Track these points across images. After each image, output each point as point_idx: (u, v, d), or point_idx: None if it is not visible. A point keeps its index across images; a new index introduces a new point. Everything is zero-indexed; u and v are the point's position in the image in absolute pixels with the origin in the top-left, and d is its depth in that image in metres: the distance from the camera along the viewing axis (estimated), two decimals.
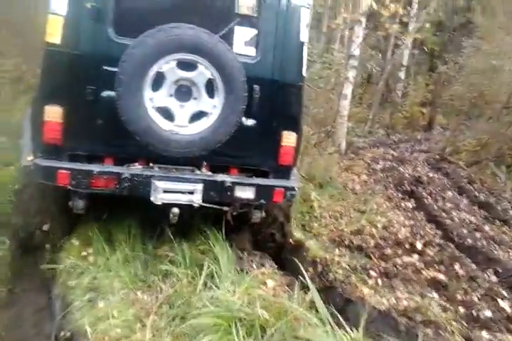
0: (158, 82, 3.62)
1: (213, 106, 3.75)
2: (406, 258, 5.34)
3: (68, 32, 3.54)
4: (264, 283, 3.93)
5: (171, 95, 3.69)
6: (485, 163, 10.78)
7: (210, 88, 3.71)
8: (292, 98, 4.14)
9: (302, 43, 4.09)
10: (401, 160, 11.92)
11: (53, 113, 3.60)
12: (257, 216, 4.33)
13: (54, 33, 3.56)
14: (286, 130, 4.12)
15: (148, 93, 3.58)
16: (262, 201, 4.07)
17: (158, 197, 3.75)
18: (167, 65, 3.58)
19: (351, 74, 10.62)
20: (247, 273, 3.96)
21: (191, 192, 3.83)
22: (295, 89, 4.12)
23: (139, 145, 3.64)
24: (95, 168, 3.70)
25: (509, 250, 6.17)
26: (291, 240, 5.03)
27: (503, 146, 10.87)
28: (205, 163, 4.01)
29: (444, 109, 17.45)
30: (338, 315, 3.36)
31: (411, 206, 7.99)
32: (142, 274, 3.98)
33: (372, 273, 4.84)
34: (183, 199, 3.83)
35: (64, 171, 3.62)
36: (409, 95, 18.73)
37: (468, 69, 13.79)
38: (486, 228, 7.06)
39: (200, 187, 3.84)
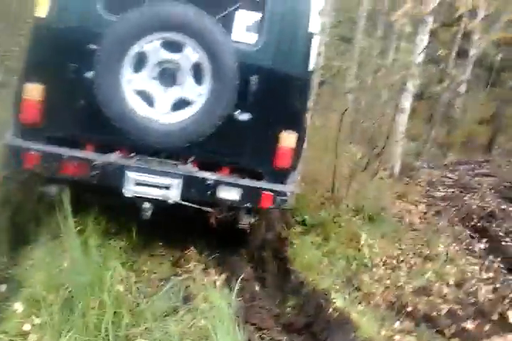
0: (140, 63, 3.34)
1: (199, 94, 3.40)
2: None
3: (55, 5, 3.35)
4: None
5: (154, 78, 3.38)
6: None
7: (198, 73, 3.38)
8: (295, 93, 3.69)
9: (311, 33, 3.65)
10: (464, 186, 10.19)
11: (33, 90, 3.39)
12: (246, 221, 3.92)
13: (41, 7, 3.38)
14: (285, 129, 3.65)
15: (127, 74, 3.32)
16: (248, 204, 3.67)
17: (130, 190, 3.47)
18: (150, 45, 3.29)
19: (411, 83, 8.82)
20: None
21: (167, 187, 3.52)
22: (299, 82, 3.68)
23: (124, 132, 3.38)
24: (66, 152, 3.46)
25: None
26: (331, 310, 3.76)
27: None
28: (191, 159, 3.66)
29: (509, 129, 15.49)
30: None
31: (483, 247, 6.42)
32: None
33: None
34: (157, 193, 3.52)
35: (32, 153, 3.39)
36: (468, 112, 16.76)
37: None
38: None
39: (177, 182, 3.52)
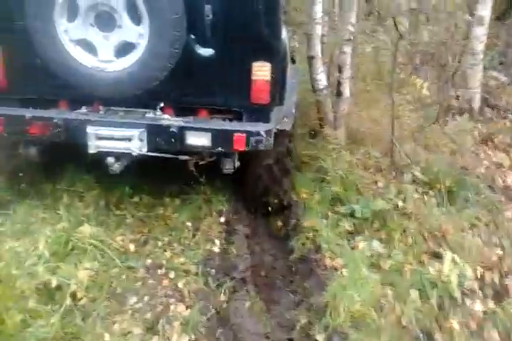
0: (72, 10, 3.19)
1: (139, 35, 3.19)
2: None
3: None
4: None
5: (91, 25, 3.23)
6: None
7: (133, 12, 3.15)
8: (260, 15, 3.24)
9: None
10: None
11: None
12: (229, 166, 3.68)
13: None
14: (256, 60, 3.34)
15: (61, 24, 3.19)
16: (220, 149, 3.42)
17: (93, 145, 3.38)
18: None
19: None
20: None
21: (129, 139, 3.37)
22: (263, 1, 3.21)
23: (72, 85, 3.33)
24: (27, 112, 3.47)
25: None
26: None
27: None
28: (160, 105, 3.51)
29: None
30: None
31: None
32: None
33: None
34: (120, 146, 3.38)
35: None
36: None
37: None
38: None
39: (138, 133, 3.36)
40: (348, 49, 5.05)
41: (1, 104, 3.53)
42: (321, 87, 5.34)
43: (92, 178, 4.14)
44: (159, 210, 4.08)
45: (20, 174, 3.98)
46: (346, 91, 5.15)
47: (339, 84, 5.16)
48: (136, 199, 4.19)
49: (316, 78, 5.32)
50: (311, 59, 5.31)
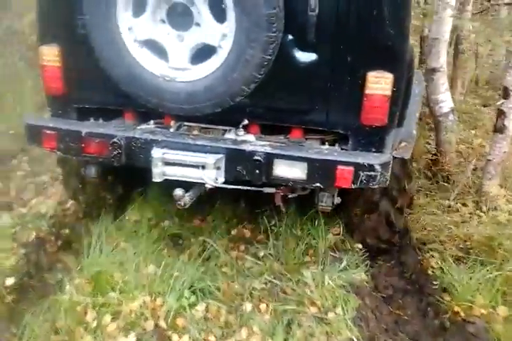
0: (139, 1, 2.50)
1: (222, 36, 2.45)
2: None
3: None
4: None
5: (161, 21, 2.54)
6: None
7: (216, 6, 2.41)
8: (384, 10, 2.42)
9: None
10: None
11: (50, 54, 2.89)
12: (327, 202, 2.92)
13: None
14: (373, 68, 2.52)
15: (125, 20, 2.52)
16: (318, 184, 2.62)
17: (158, 172, 2.71)
18: None
19: None
20: None
21: (203, 167, 2.67)
22: None
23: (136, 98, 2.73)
24: (84, 127, 2.85)
25: None
26: None
27: None
28: (245, 122, 2.81)
29: None
30: None
31: None
32: None
33: None
34: (192, 175, 2.70)
35: (49, 131, 2.87)
36: None
37: None
38: None
39: (215, 159, 2.64)
40: None
41: (58, 114, 3.01)
42: (446, 110, 4.14)
43: None
44: None
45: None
46: (511, 126, 3.71)
47: (501, 114, 3.70)
48: None
49: (437, 99, 4.15)
50: (432, 72, 4.12)
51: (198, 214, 3.67)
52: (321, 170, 2.56)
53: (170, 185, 2.75)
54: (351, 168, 2.52)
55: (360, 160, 2.53)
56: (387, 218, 3.26)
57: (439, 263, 3.34)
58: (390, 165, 2.60)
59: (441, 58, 4.01)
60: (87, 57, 2.71)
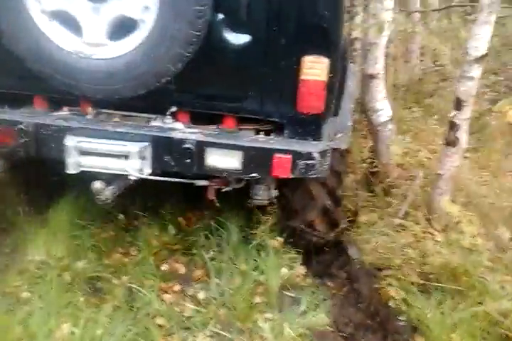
0: None
1: (144, 9, 2.22)
2: None
3: None
4: None
5: None
6: None
7: None
8: None
9: None
10: None
11: None
12: (263, 195, 2.73)
13: None
14: (308, 53, 2.36)
15: None
16: (254, 174, 2.39)
17: (73, 162, 2.34)
18: None
19: None
20: None
21: (126, 156, 2.32)
22: None
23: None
24: None
25: None
26: None
27: None
28: (173, 109, 2.51)
29: None
30: None
31: None
32: None
33: None
34: (112, 166, 2.35)
35: None
36: None
37: None
38: None
39: (139, 147, 2.32)
40: (476, 73, 3.18)
41: None
42: (384, 119, 3.86)
43: None
44: None
45: None
46: (463, 138, 3.35)
47: (453, 126, 3.34)
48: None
49: (375, 107, 3.84)
50: (369, 78, 3.86)
51: (118, 244, 3.12)
52: (258, 159, 2.38)
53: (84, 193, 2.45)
54: (289, 156, 2.37)
55: (297, 148, 2.40)
56: (324, 211, 3.06)
57: (400, 292, 2.95)
58: (329, 154, 2.47)
59: (379, 64, 3.85)
60: None
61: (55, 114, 2.57)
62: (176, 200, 3.53)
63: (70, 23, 2.28)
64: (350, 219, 3.44)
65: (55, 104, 2.62)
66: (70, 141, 2.31)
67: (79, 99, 2.51)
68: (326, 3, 2.31)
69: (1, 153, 2.59)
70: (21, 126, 2.37)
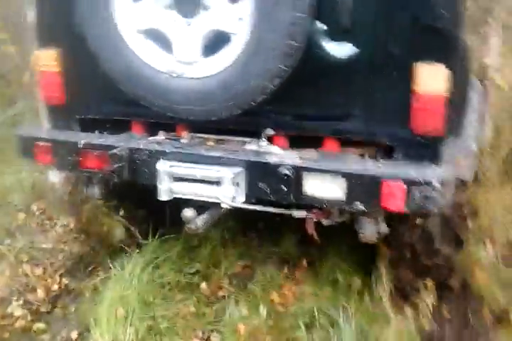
0: None
1: (239, 20, 2.00)
2: None
3: None
4: None
5: (166, 7, 2.12)
6: None
7: None
8: None
9: None
10: None
11: (47, 58, 2.56)
12: (370, 231, 2.34)
13: None
14: (422, 59, 1.98)
15: (122, 6, 2.13)
16: (358, 205, 2.03)
17: (165, 189, 2.26)
18: None
19: None
20: None
21: (217, 183, 2.18)
22: None
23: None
24: (83, 138, 2.48)
25: None
26: None
27: None
28: (269, 132, 2.31)
29: None
30: None
31: None
32: None
33: None
34: (206, 194, 2.22)
35: (42, 143, 2.53)
36: None
37: None
38: None
39: (231, 174, 2.14)
40: None
41: (58, 124, 2.70)
42: None
43: None
44: None
45: None
46: None
47: None
48: None
49: None
50: None
51: (199, 326, 2.71)
52: (363, 188, 2.02)
53: None
54: (402, 184, 1.96)
55: (412, 174, 1.97)
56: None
57: None
58: (453, 182, 2.04)
59: None
60: (87, 63, 2.40)
61: (150, 138, 2.53)
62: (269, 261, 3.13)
63: (160, 40, 2.18)
64: None
65: (152, 129, 2.59)
66: (163, 166, 2.25)
67: (175, 123, 2.46)
68: (445, 6, 1.91)
69: (97, 178, 2.65)
70: (115, 151, 2.34)
